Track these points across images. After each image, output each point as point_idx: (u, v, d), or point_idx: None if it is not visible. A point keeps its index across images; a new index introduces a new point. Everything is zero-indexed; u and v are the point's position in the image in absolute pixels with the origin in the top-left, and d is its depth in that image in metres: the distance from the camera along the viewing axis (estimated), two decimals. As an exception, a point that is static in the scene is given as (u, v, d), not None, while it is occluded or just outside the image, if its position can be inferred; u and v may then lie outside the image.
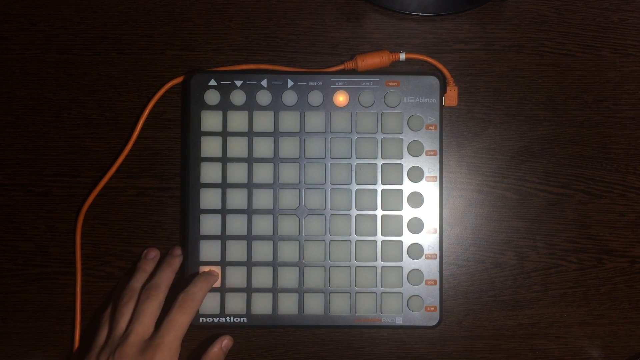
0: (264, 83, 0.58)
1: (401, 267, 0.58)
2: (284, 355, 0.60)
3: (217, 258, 0.58)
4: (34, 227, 0.60)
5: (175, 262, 0.57)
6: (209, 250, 0.58)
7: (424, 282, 0.58)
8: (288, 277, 0.58)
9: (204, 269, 0.57)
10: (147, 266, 0.57)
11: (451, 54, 0.61)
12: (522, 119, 0.61)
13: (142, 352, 0.49)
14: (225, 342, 0.56)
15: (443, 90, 0.59)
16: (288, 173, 0.58)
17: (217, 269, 0.57)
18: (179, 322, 0.51)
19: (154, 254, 0.58)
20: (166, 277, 0.55)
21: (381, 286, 0.58)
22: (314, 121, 0.58)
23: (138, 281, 0.55)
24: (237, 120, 0.58)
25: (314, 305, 0.58)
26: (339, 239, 0.58)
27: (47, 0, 0.61)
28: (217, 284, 0.57)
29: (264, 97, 0.58)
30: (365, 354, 0.60)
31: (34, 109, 0.61)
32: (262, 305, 0.58)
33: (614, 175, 0.61)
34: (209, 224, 0.58)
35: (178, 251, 0.58)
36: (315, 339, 0.60)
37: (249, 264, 0.58)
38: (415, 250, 0.58)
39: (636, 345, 0.60)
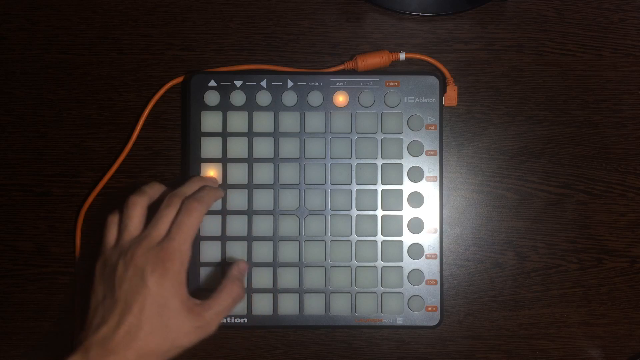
0: (263, 83, 0.58)
1: (401, 267, 0.58)
2: (285, 355, 0.60)
3: (218, 258, 0.58)
4: (34, 227, 0.60)
5: (209, 184, 0.56)
6: (209, 251, 0.58)
7: (424, 282, 0.58)
8: (288, 277, 0.58)
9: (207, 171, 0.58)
10: (165, 187, 0.55)
11: (451, 54, 0.61)
12: (522, 119, 0.61)
13: (155, 254, 0.49)
14: (241, 266, 0.54)
15: (443, 90, 0.59)
16: (288, 173, 0.58)
17: (215, 173, 0.57)
18: (188, 224, 0.50)
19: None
20: (193, 189, 0.54)
21: (382, 286, 0.58)
22: (314, 121, 0.58)
23: (150, 188, 0.54)
24: (237, 121, 0.58)
25: (314, 306, 0.58)
26: (339, 239, 0.58)
27: (47, 0, 0.61)
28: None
29: (263, 98, 0.58)
30: (366, 354, 0.60)
31: (34, 109, 0.61)
32: (262, 305, 0.58)
33: (614, 175, 0.61)
34: (210, 225, 0.58)
35: (215, 180, 0.58)
36: (315, 339, 0.60)
37: (249, 264, 0.58)
38: (416, 250, 0.58)
39: (636, 345, 0.61)
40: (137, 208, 0.52)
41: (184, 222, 0.50)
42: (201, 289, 0.57)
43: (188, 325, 0.49)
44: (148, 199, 0.53)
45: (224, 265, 0.58)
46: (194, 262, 0.58)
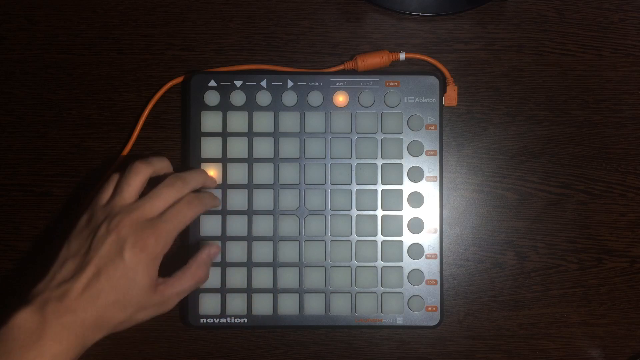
0: (263, 84, 0.58)
1: (402, 267, 0.58)
2: (284, 356, 0.60)
3: (218, 258, 0.58)
4: (34, 227, 0.60)
5: (209, 180, 0.56)
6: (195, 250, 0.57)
7: (424, 282, 0.58)
8: (288, 277, 0.58)
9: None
10: (171, 168, 0.55)
11: (451, 54, 0.61)
12: (522, 119, 0.61)
13: (141, 228, 0.48)
14: (213, 250, 0.53)
15: (443, 90, 0.59)
16: (288, 173, 0.58)
17: (218, 173, 0.58)
18: (185, 214, 0.51)
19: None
20: (196, 178, 0.54)
21: (382, 286, 0.58)
22: (314, 121, 0.58)
23: (158, 160, 0.53)
24: (237, 121, 0.58)
25: (314, 306, 0.58)
26: (339, 239, 0.58)
27: (47, 0, 0.61)
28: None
29: (263, 98, 0.58)
30: (366, 354, 0.60)
31: (34, 109, 0.61)
32: (262, 305, 0.58)
33: (614, 175, 0.61)
34: (210, 225, 0.58)
35: (214, 180, 0.57)
36: (315, 339, 0.60)
37: (249, 264, 0.58)
38: (416, 250, 0.58)
39: (636, 345, 0.61)
40: (139, 176, 0.51)
41: (181, 211, 0.50)
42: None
43: (149, 302, 0.49)
44: (153, 171, 0.52)
45: (224, 267, 0.58)
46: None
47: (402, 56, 0.60)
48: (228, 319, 0.58)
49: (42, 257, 0.60)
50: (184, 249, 0.58)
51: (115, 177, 0.52)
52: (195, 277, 0.51)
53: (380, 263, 0.58)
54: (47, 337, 0.45)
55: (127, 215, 0.49)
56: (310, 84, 0.58)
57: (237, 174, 0.58)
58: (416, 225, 0.58)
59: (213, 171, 0.58)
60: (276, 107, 0.58)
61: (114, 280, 0.47)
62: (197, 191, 0.54)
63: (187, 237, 0.58)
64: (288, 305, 0.58)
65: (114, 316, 0.48)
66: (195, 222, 0.57)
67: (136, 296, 0.48)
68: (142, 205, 0.50)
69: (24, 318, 0.45)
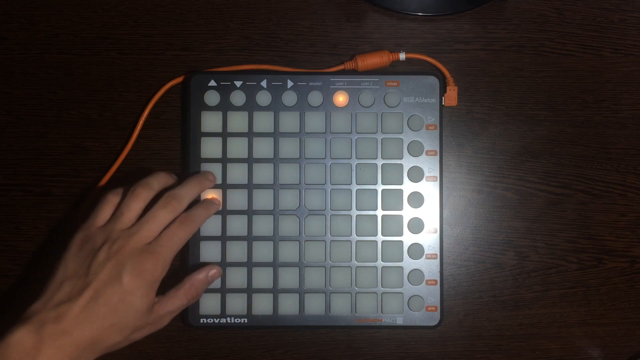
0: (263, 84, 0.58)
1: (402, 267, 0.58)
2: (284, 356, 0.60)
3: (218, 258, 0.58)
4: (34, 227, 0.60)
5: (205, 184, 0.56)
6: (209, 251, 0.58)
7: (424, 282, 0.58)
8: (288, 277, 0.58)
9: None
10: (173, 180, 0.56)
11: (451, 54, 0.61)
12: (522, 119, 0.61)
13: (139, 253, 0.49)
14: (212, 272, 0.54)
15: (443, 90, 0.59)
16: (288, 173, 0.58)
17: (218, 196, 0.58)
18: (179, 237, 0.51)
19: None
20: (191, 193, 0.54)
21: (382, 286, 0.58)
22: (314, 121, 0.58)
23: (158, 183, 0.54)
24: (237, 121, 0.58)
25: (314, 306, 0.58)
26: (339, 239, 0.58)
27: (47, 0, 0.61)
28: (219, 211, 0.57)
29: (263, 98, 0.58)
30: (366, 354, 0.60)
31: (34, 109, 0.61)
32: (262, 305, 0.58)
33: (614, 175, 0.61)
34: (210, 225, 0.58)
35: (212, 176, 0.57)
36: (315, 339, 0.60)
37: (249, 264, 0.58)
38: (416, 250, 0.58)
39: (636, 345, 0.61)
40: (139, 202, 0.52)
41: (176, 234, 0.51)
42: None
43: (145, 323, 0.50)
44: (153, 194, 0.53)
45: (224, 267, 0.58)
46: (194, 262, 0.58)
47: (402, 56, 0.60)
48: (228, 319, 0.58)
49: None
50: (183, 253, 0.58)
51: (111, 198, 0.52)
52: (188, 295, 0.53)
53: (380, 263, 0.58)
54: (41, 359, 0.45)
55: (127, 242, 0.49)
56: (310, 84, 0.58)
57: (237, 174, 0.58)
58: (416, 225, 0.58)
59: (211, 195, 0.58)
60: (276, 107, 0.58)
61: (112, 304, 0.48)
62: (194, 202, 0.55)
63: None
64: (288, 305, 0.58)
65: (110, 338, 0.48)
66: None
67: (133, 319, 0.49)
68: (140, 230, 0.50)
69: (20, 337, 0.45)
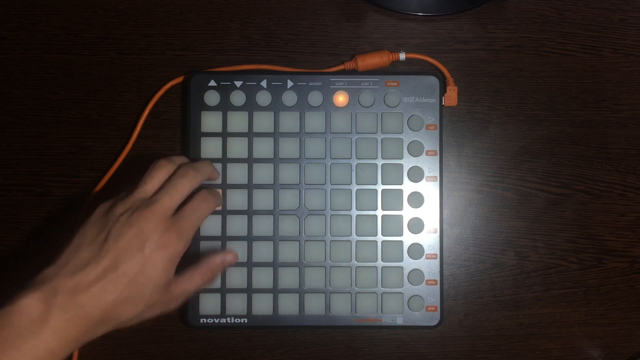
0: (263, 84, 0.58)
1: (402, 267, 0.58)
2: (284, 355, 0.60)
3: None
4: (34, 227, 0.60)
5: (215, 173, 0.56)
6: (209, 251, 0.58)
7: (424, 282, 0.58)
8: (288, 277, 0.58)
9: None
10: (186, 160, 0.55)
11: (451, 54, 0.61)
12: (522, 119, 0.61)
13: (162, 224, 0.48)
14: (229, 257, 0.53)
15: (443, 90, 0.59)
16: (288, 173, 0.58)
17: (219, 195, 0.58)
18: (202, 211, 0.51)
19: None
20: (205, 169, 0.54)
21: (382, 286, 0.58)
22: (314, 121, 0.58)
23: (178, 158, 0.53)
24: (237, 121, 0.58)
25: (314, 306, 0.58)
26: (339, 239, 0.58)
27: (47, 0, 0.61)
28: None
29: (263, 98, 0.58)
30: (366, 354, 0.60)
31: (34, 109, 0.61)
32: (262, 305, 0.58)
33: (614, 175, 0.61)
34: (210, 225, 0.58)
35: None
36: (315, 339, 0.60)
37: (249, 264, 0.58)
38: (416, 250, 0.58)
39: (636, 345, 0.61)
40: (162, 172, 0.51)
41: (198, 208, 0.51)
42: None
43: (159, 300, 0.48)
44: (174, 168, 0.52)
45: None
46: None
47: (402, 56, 0.60)
48: (228, 319, 0.58)
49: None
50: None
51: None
52: (205, 277, 0.51)
53: (380, 263, 0.58)
54: (47, 331, 0.42)
55: (147, 208, 0.48)
56: (310, 84, 0.58)
57: (237, 174, 0.58)
58: (416, 225, 0.58)
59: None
60: (276, 107, 0.58)
61: (131, 275, 0.46)
62: (204, 186, 0.55)
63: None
64: (288, 305, 0.58)
65: (124, 313, 0.46)
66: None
67: (149, 294, 0.47)
68: (162, 198, 0.49)
69: (28, 304, 0.42)
